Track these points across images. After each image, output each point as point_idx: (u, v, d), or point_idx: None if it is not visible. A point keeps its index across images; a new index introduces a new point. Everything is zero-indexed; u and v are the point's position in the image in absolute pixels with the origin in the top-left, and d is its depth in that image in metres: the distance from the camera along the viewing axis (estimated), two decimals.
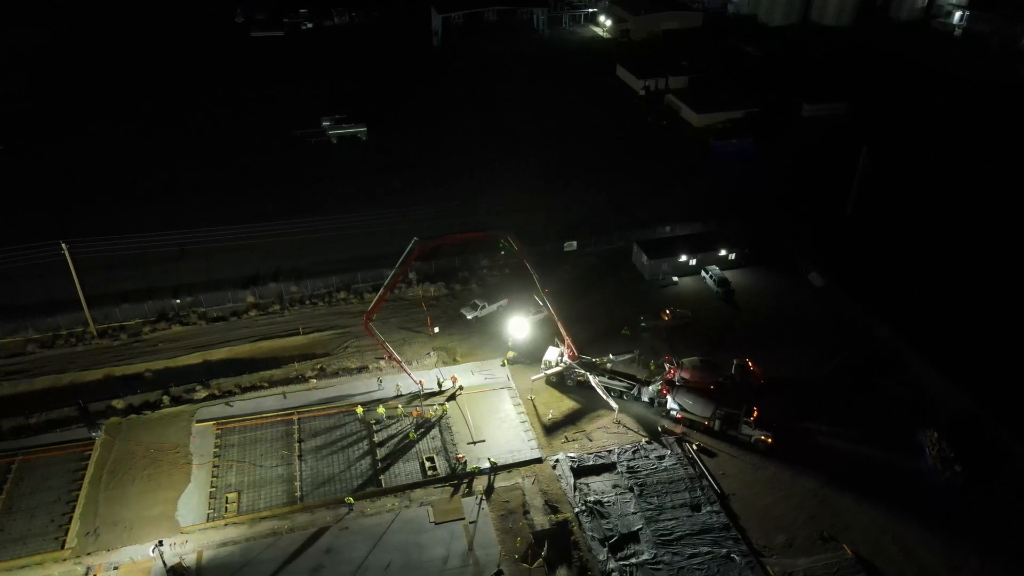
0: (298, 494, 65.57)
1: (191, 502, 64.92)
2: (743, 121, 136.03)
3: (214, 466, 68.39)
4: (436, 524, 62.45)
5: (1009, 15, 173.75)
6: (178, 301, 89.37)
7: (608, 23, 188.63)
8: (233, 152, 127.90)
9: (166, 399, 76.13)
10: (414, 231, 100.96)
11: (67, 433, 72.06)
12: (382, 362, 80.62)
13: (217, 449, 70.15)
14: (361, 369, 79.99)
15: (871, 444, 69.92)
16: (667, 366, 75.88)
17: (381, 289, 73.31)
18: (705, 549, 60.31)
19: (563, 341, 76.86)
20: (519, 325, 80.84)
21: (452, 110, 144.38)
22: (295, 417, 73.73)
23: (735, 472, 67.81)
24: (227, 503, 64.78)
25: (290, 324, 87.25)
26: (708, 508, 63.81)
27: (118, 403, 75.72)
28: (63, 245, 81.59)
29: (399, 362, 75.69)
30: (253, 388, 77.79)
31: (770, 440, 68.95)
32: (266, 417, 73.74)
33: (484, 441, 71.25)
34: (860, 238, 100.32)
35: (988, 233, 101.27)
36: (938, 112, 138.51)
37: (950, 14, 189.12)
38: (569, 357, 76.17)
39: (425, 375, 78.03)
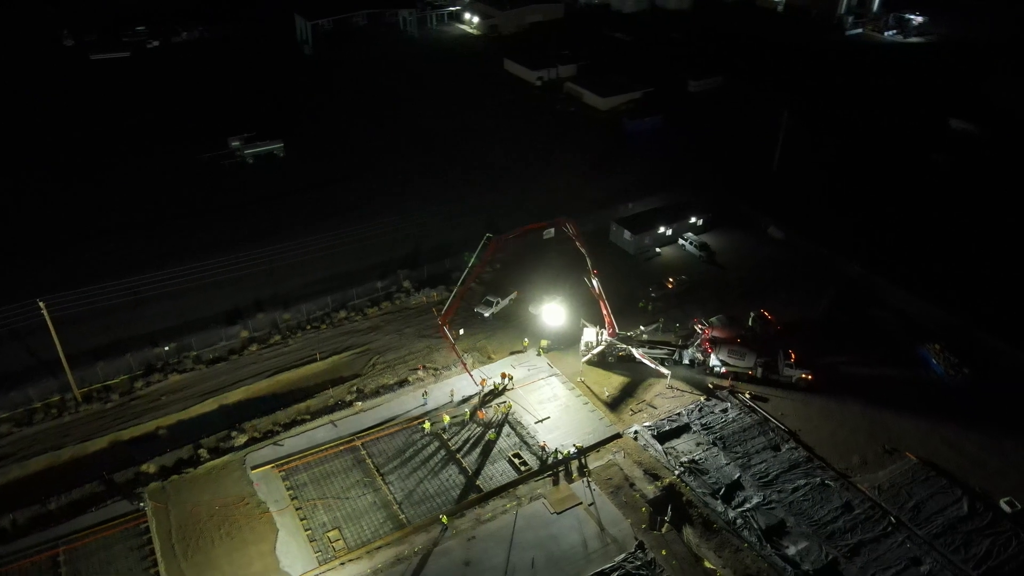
0: (402, 517, 62.92)
1: (291, 550, 60.21)
2: (642, 101, 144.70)
3: (296, 508, 63.66)
4: (558, 514, 62.79)
5: None
6: (166, 348, 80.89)
7: (475, 20, 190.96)
8: (141, 187, 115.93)
9: (203, 452, 69.31)
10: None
11: (106, 510, 63.62)
12: (419, 372, 78.63)
13: (291, 491, 65.24)
14: (402, 383, 77.38)
15: (885, 364, 79.27)
16: (698, 328, 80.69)
17: (455, 290, 71.69)
18: (802, 482, 65.79)
19: (597, 322, 79.37)
20: (553, 312, 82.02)
21: (358, 118, 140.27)
22: (359, 443, 70.18)
23: (790, 411, 74.13)
24: (331, 542, 60.76)
25: (300, 352, 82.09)
26: (787, 446, 69.48)
27: (149, 467, 67.89)
28: (40, 304, 71.17)
29: (464, 364, 74.61)
30: (295, 423, 72.83)
31: (810, 377, 76.04)
32: (327, 449, 69.51)
33: (549, 418, 72.58)
34: (791, 190, 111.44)
35: (895, 171, 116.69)
36: (804, 77, 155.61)
37: None
38: (609, 335, 78.66)
39: (467, 378, 77.11)
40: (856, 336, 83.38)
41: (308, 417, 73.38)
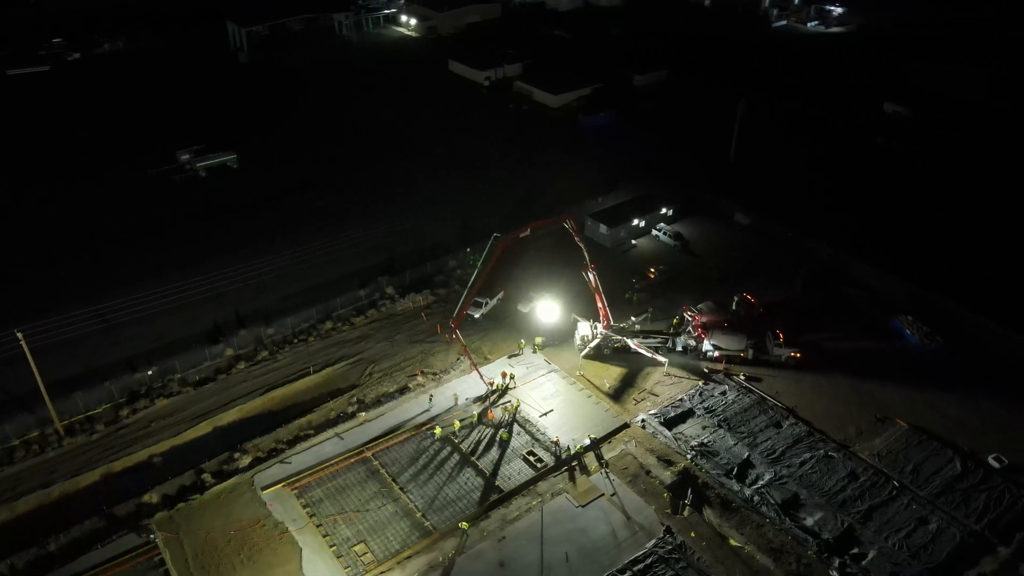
0: (427, 524, 62.28)
1: (318, 568, 58.73)
2: (591, 97, 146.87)
3: (317, 525, 62.12)
4: (583, 507, 63.37)
5: None
6: (149, 373, 77.38)
7: (413, 22, 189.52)
8: (90, 208, 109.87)
9: (207, 477, 66.76)
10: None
11: (114, 545, 60.46)
12: (418, 377, 77.87)
13: (307, 509, 63.60)
14: (402, 390, 76.46)
15: (863, 338, 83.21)
16: (687, 315, 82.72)
17: (465, 294, 71.28)
18: (807, 455, 68.49)
19: (587, 316, 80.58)
20: (548, 309, 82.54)
21: (308, 124, 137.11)
22: (369, 454, 68.97)
23: (783, 388, 76.93)
24: (359, 556, 59.61)
25: (291, 367, 79.96)
26: (787, 423, 72.15)
27: (151, 497, 64.95)
28: (19, 334, 67.00)
29: (475, 366, 74.47)
30: (298, 439, 70.93)
31: (799, 355, 79.11)
32: (338, 463, 68.02)
33: (552, 410, 73.45)
34: (750, 177, 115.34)
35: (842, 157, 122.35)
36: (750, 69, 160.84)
37: None
38: (604, 327, 79.75)
39: (467, 381, 77.10)
40: (832, 313, 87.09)
41: (312, 432, 71.63)
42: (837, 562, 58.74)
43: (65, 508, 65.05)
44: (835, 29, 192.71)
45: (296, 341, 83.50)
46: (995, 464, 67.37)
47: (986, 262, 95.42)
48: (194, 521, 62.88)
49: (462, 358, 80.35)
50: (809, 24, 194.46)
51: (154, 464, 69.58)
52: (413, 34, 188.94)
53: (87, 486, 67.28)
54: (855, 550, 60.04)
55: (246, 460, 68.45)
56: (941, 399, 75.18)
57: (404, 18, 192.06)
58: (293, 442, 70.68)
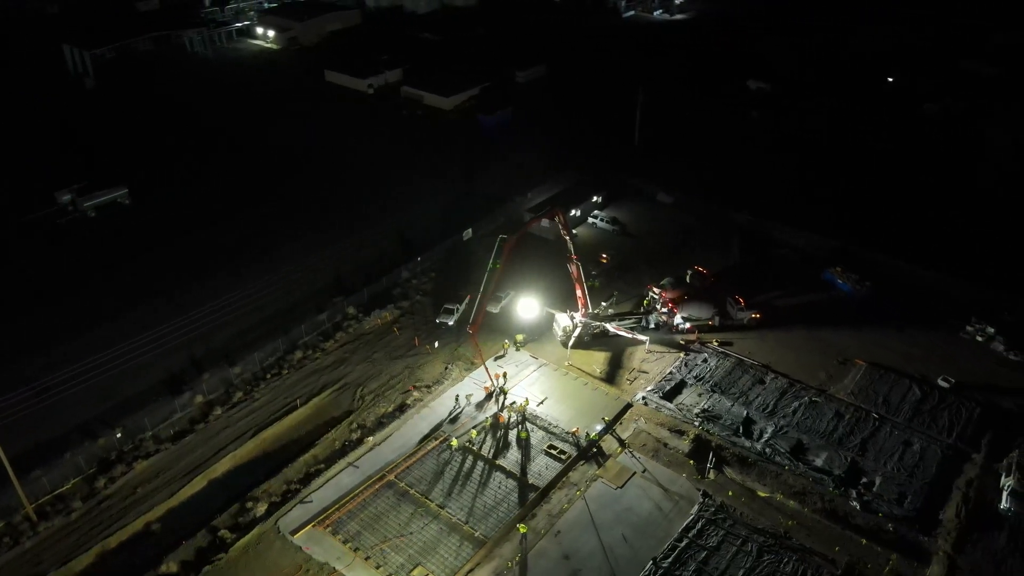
0: (477, 534, 61.66)
1: None
2: (481, 96, 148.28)
3: (365, 558, 59.65)
4: (620, 488, 65.36)
5: None
6: (117, 436, 70.01)
7: (271, 34, 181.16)
8: None
9: (225, 533, 61.92)
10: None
11: None
12: (414, 393, 76.31)
13: (348, 544, 60.82)
14: (402, 408, 74.57)
15: (804, 292, 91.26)
16: (654, 293, 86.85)
17: (480, 298, 70.20)
18: (796, 404, 74.71)
19: (557, 307, 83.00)
20: (528, 306, 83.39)
21: (191, 149, 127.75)
22: (391, 477, 66.90)
23: (754, 348, 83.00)
24: None
25: (274, 403, 75.56)
26: (769, 378, 78.13)
27: (169, 566, 59.49)
28: None
29: (487, 369, 74.10)
30: (309, 476, 67.35)
31: (759, 315, 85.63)
32: (362, 492, 65.41)
33: (547, 398, 75.39)
34: (658, 159, 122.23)
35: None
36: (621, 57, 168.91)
37: None
38: (582, 316, 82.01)
39: (464, 387, 76.75)
40: (768, 274, 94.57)
41: (322, 466, 68.27)
42: (854, 493, 64.89)
43: None
44: (678, 16, 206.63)
45: (269, 376, 78.83)
46: (944, 384, 76.92)
47: (886, 209, 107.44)
48: None
49: (449, 366, 79.82)
50: (655, 13, 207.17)
51: (154, 532, 63.46)
52: (273, 46, 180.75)
53: (84, 570, 60.29)
54: (864, 480, 66.58)
55: (262, 508, 64.16)
56: (884, 336, 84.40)
57: (260, 30, 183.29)
58: (305, 480, 67.07)
